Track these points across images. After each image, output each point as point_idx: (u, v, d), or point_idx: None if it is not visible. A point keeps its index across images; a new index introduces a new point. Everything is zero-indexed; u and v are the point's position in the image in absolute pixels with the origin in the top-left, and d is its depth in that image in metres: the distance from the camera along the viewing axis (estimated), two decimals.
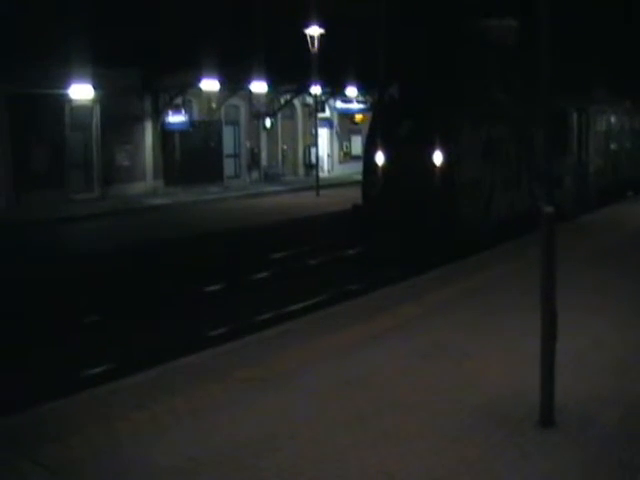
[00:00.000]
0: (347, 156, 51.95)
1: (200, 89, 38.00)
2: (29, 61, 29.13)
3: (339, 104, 49.89)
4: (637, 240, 19.23)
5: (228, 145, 42.85)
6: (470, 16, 22.19)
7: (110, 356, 12.25)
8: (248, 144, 44.38)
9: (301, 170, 48.47)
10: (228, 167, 42.71)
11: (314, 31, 36.65)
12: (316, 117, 41.36)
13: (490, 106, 20.67)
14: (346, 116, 51.28)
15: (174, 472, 6.40)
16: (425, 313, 11.80)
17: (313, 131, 42.74)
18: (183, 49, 34.09)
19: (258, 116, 44.59)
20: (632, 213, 24.89)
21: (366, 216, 20.18)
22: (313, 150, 43.87)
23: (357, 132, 50.56)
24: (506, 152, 20.84)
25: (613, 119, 29.90)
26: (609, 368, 8.86)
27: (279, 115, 46.10)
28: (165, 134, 38.55)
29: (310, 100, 44.29)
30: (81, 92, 32.65)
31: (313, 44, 36.67)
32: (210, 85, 37.55)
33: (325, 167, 49.73)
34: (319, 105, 43.56)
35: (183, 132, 38.85)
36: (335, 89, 46.33)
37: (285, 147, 47.38)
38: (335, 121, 51.18)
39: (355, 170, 38.38)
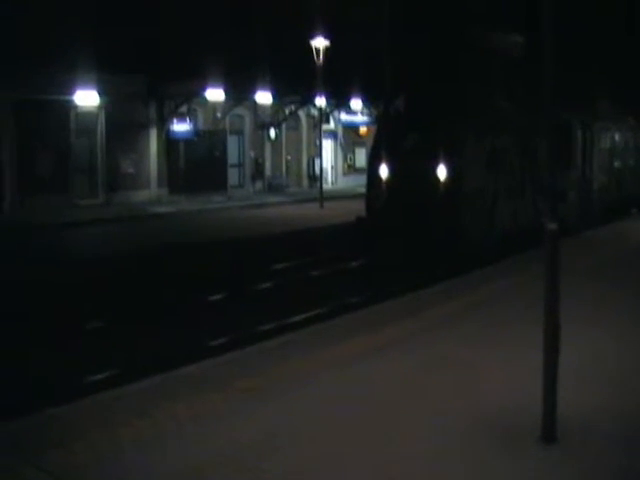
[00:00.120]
0: (351, 168, 51.97)
1: (205, 98, 38.09)
2: (35, 67, 29.22)
3: (344, 116, 49.99)
4: (638, 255, 19.25)
5: (232, 155, 42.91)
6: (475, 29, 22.24)
7: (111, 363, 12.25)
8: (252, 154, 44.44)
9: (305, 181, 48.49)
10: (232, 177, 42.77)
11: (319, 43, 36.73)
12: (320, 129, 41.40)
13: (494, 117, 20.68)
14: (350, 128, 51.36)
15: (176, 477, 6.43)
16: (429, 326, 11.79)
17: (317, 143, 42.79)
18: (189, 57, 34.19)
19: (263, 126, 44.67)
20: (636, 230, 24.88)
21: (370, 228, 20.19)
22: (317, 162, 43.93)
23: (361, 144, 50.59)
24: (510, 163, 20.84)
25: (617, 136, 29.94)
26: (611, 380, 8.85)
27: (283, 126, 46.17)
28: (170, 142, 38.63)
29: (315, 112, 44.36)
30: (86, 98, 32.74)
31: (318, 56, 36.76)
32: (215, 94, 37.65)
33: (329, 179, 49.76)
34: (324, 117, 43.62)
35: (188, 141, 38.93)
36: (340, 101, 46.43)
37: (289, 158, 47.42)
38: (339, 133, 51.25)
39: (359, 182, 38.36)
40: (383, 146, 20.69)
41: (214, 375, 9.32)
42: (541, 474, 6.54)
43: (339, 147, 51.48)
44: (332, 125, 49.90)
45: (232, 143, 42.90)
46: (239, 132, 43.88)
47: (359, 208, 21.47)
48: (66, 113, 33.38)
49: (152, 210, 33.86)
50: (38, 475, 6.52)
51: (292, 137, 47.66)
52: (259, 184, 44.80)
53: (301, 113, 47.24)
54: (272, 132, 45.14)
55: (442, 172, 19.15)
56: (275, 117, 45.11)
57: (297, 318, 15.39)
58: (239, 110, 42.80)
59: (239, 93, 39.66)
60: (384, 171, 20.09)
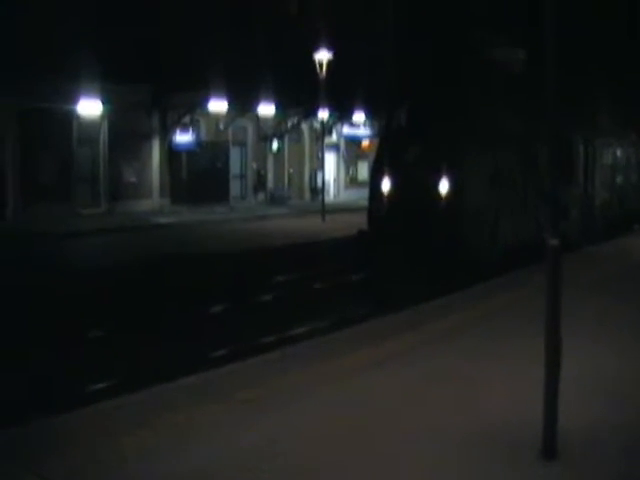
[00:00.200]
0: (353, 181, 52.10)
1: (208, 109, 38.20)
2: (39, 76, 29.31)
3: (346, 129, 50.10)
4: None
5: (235, 166, 43.03)
6: (477, 41, 22.29)
7: (112, 372, 12.27)
8: (255, 166, 44.54)
9: (307, 194, 48.59)
10: (234, 188, 42.87)
11: (322, 55, 36.82)
12: (323, 141, 41.49)
13: (497, 131, 20.68)
14: (353, 141, 51.47)
15: None
16: (430, 340, 11.78)
17: (320, 155, 42.87)
18: (192, 68, 34.30)
19: (265, 138, 44.77)
20: (638, 246, 24.89)
21: (371, 242, 20.19)
22: (319, 174, 44.00)
23: (364, 158, 50.72)
24: (513, 178, 20.84)
25: (619, 152, 29.97)
26: (612, 395, 8.86)
27: (286, 138, 46.28)
28: (172, 153, 38.74)
29: (317, 124, 44.45)
30: (89, 107, 32.84)
31: (321, 68, 36.86)
32: (218, 106, 37.79)
33: (331, 192, 49.83)
34: (326, 130, 43.71)
35: (190, 151, 39.05)
36: (342, 114, 46.53)
37: (291, 170, 47.51)
38: (342, 146, 51.35)
39: (361, 196, 38.26)
40: (385, 160, 20.70)
41: (215, 386, 9.33)
42: None
43: (341, 160, 51.59)
44: (334, 138, 50.01)
45: (234, 154, 43.01)
46: (242, 143, 44.00)
47: (361, 221, 21.47)
48: (69, 122, 33.51)
49: (154, 220, 33.90)
50: None
51: (294, 149, 47.77)
52: (261, 196, 44.89)
53: (304, 125, 47.36)
54: (275, 144, 45.26)
55: (444, 186, 19.16)
56: (278, 129, 45.23)
57: (298, 330, 15.40)
58: (242, 121, 42.92)
59: (242, 105, 39.79)
60: (386, 184, 20.09)
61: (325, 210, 37.01)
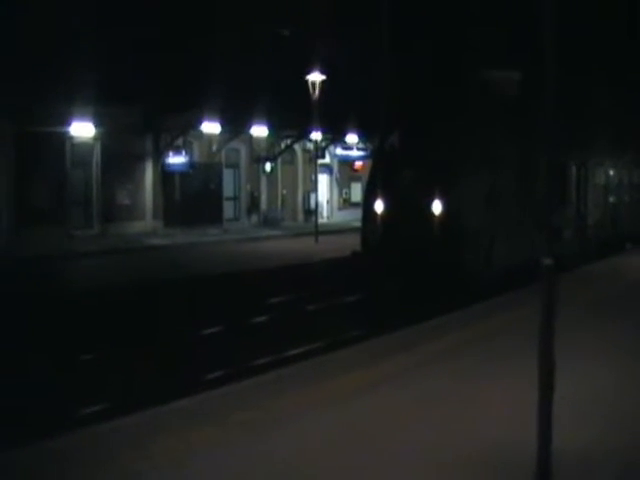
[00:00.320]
0: (346, 203, 52.19)
1: (201, 131, 38.30)
2: (34, 98, 29.32)
3: (339, 151, 50.21)
4: (634, 290, 19.32)
5: (228, 188, 43.07)
6: (472, 65, 22.33)
7: (105, 395, 12.24)
8: (248, 187, 44.60)
9: (300, 215, 48.64)
10: (227, 210, 42.89)
11: (315, 77, 36.94)
12: (316, 163, 41.58)
13: (491, 152, 20.70)
14: (346, 163, 51.59)
15: None
16: (425, 361, 11.76)
17: (313, 177, 42.94)
18: (185, 90, 34.38)
19: (258, 160, 44.85)
20: (630, 265, 24.99)
21: (365, 263, 20.19)
22: (313, 196, 44.06)
23: (357, 179, 50.84)
24: (508, 199, 20.87)
25: (612, 172, 30.12)
26: (607, 416, 8.84)
27: (279, 160, 46.36)
28: (165, 175, 38.76)
29: (310, 146, 44.56)
30: (82, 130, 32.87)
31: (314, 90, 36.97)
32: (211, 127, 37.88)
33: (324, 213, 49.91)
34: (319, 151, 43.80)
35: (183, 173, 39.08)
36: (335, 136, 46.66)
37: (285, 192, 47.58)
38: (335, 167, 51.46)
39: (354, 217, 38.48)
40: (378, 181, 20.74)
41: (210, 408, 9.30)
42: None
43: (335, 181, 51.68)
44: (328, 159, 50.11)
45: (228, 176, 43.08)
46: (235, 165, 44.07)
47: (354, 243, 21.49)
48: (62, 144, 33.52)
49: (148, 242, 33.90)
50: None
51: (288, 171, 47.85)
52: (254, 218, 44.92)
53: (297, 147, 47.47)
54: (268, 166, 45.32)
55: (437, 208, 19.18)
56: (271, 151, 45.33)
57: (293, 352, 15.38)
58: (235, 143, 42.99)
59: (235, 126, 39.89)
60: (379, 206, 20.12)
61: (318, 231, 37.01)
